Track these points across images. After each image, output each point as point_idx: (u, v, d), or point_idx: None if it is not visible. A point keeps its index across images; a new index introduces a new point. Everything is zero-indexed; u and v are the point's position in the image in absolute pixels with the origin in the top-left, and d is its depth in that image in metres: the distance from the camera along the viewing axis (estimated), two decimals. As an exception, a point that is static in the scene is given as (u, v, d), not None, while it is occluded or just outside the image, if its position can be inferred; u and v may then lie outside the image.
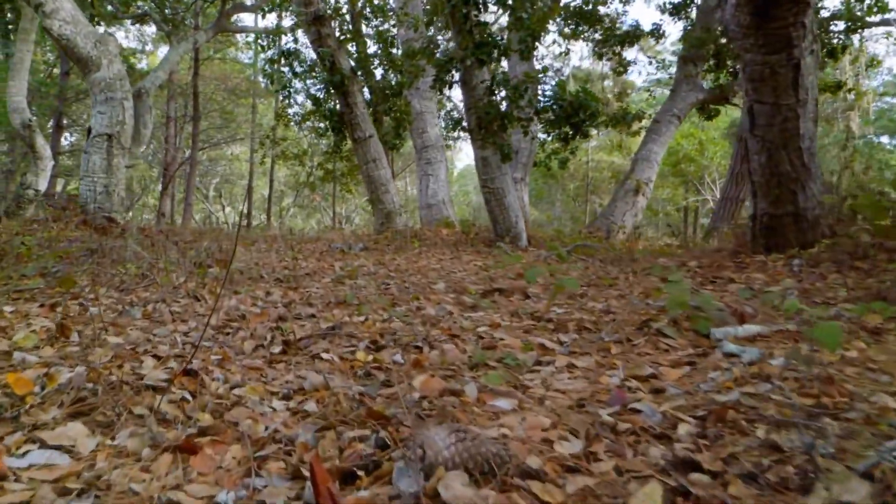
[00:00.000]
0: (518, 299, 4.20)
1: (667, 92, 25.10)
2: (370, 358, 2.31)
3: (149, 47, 27.19)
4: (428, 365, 2.30)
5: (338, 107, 9.91)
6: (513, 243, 8.14)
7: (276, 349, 2.31)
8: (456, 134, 22.07)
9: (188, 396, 1.74)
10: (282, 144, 22.92)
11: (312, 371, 2.08)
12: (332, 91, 9.45)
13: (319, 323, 2.99)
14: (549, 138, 11.01)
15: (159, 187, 23.17)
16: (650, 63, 13.50)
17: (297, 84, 12.11)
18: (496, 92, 7.76)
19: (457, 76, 8.10)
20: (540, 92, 9.25)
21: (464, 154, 59.85)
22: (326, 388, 1.86)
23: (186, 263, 4.86)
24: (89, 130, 6.59)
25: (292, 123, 16.10)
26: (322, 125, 13.70)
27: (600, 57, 11.83)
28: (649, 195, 11.79)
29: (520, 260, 2.91)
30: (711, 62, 12.01)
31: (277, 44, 12.13)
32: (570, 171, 29.50)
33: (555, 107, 8.01)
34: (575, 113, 7.97)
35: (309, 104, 13.26)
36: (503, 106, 7.81)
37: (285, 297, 3.92)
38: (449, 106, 20.40)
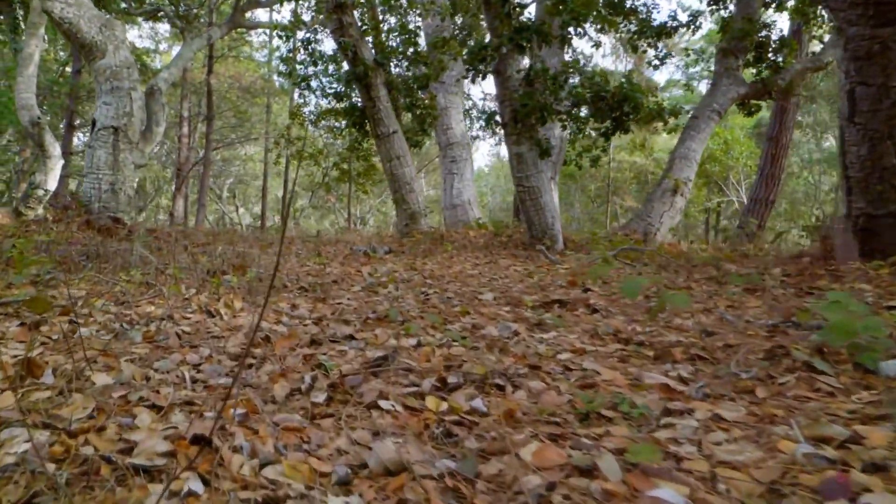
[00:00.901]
0: (585, 313, 3.59)
1: (692, 92, 24.35)
2: (443, 406, 1.71)
3: (163, 46, 26.82)
4: (522, 415, 1.70)
5: (359, 101, 9.35)
6: (550, 246, 7.51)
7: (319, 396, 1.70)
8: (473, 133, 21.45)
9: (198, 487, 1.14)
10: (297, 144, 22.43)
11: (373, 433, 1.48)
12: (354, 84, 8.87)
13: (363, 349, 2.39)
14: (581, 135, 10.38)
15: (173, 188, 22.74)
16: (687, 55, 12.76)
17: (315, 83, 11.58)
18: (534, 82, 7.14)
19: (488, 67, 7.50)
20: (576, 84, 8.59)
21: (479, 154, 59.15)
22: (403, 467, 1.26)
23: (198, 270, 4.29)
24: (93, 123, 6.04)
25: (307, 123, 15.57)
26: (338, 124, 13.12)
27: (635, 50, 11.14)
28: (688, 195, 11.10)
29: (609, 269, 2.31)
30: (752, 55, 11.33)
31: (294, 37, 11.55)
32: (591, 171, 28.81)
33: (597, 99, 7.37)
34: (619, 105, 7.33)
35: (324, 103, 12.70)
36: (540, 97, 7.18)
37: (314, 312, 3.32)
38: (468, 104, 19.78)
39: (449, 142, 11.02)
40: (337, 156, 23.21)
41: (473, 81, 7.25)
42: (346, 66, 9.09)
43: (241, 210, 34.61)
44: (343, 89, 9.68)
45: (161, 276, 4.21)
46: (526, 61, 8.52)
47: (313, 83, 10.45)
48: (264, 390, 1.79)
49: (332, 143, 22.13)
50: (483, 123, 7.17)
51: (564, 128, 7.82)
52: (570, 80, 7.38)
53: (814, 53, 11.52)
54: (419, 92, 9.76)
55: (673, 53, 10.75)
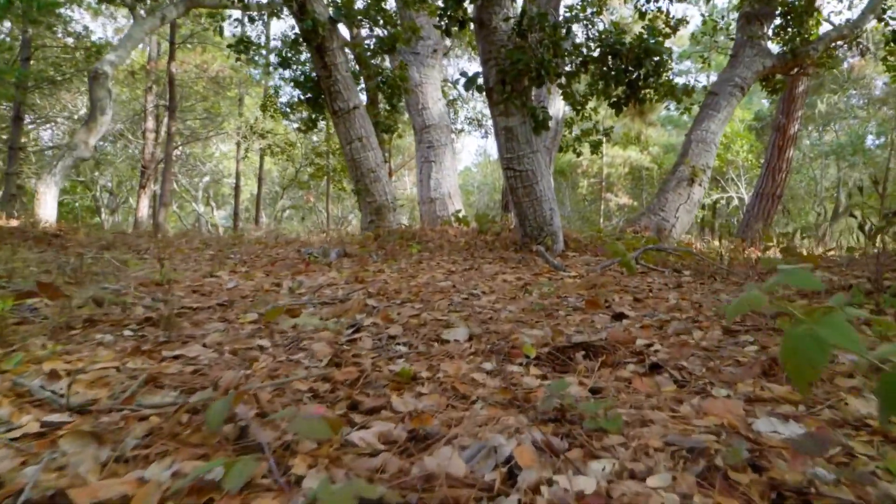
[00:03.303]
0: (638, 373, 1.92)
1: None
2: None
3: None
4: None
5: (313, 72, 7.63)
6: (548, 247, 5.83)
7: None
8: (458, 125, 19.66)
9: None
10: (268, 137, 20.68)
11: None
12: (305, 45, 7.15)
13: None
14: (582, 110, 8.72)
15: (154, 187, 20.85)
16: (706, 20, 11.16)
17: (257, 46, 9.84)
18: (527, 34, 5.46)
19: (467, 15, 5.80)
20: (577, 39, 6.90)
21: (466, 153, 57.37)
22: None
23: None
24: None
25: (281, 115, 13.88)
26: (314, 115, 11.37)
27: (643, 16, 9.51)
28: (706, 185, 9.47)
29: (764, 302, 0.96)
30: (778, 22, 9.73)
31: None
32: (582, 167, 27.12)
33: (608, 56, 5.69)
34: (638, 64, 5.66)
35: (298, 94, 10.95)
36: (536, 53, 5.49)
37: (99, 384, 1.62)
38: (453, 94, 18.05)
39: (425, 124, 9.31)
40: (311, 151, 21.46)
41: (449, 34, 5.58)
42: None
43: (219, 211, 32.70)
44: (293, 55, 7.92)
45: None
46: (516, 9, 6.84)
47: (258, 52, 8.68)
48: None
49: (308, 137, 20.38)
50: (464, 87, 5.40)
51: (567, 96, 6.14)
52: (574, 32, 5.70)
53: (848, 21, 9.92)
54: (386, 59, 8.06)
55: (687, 19, 9.11)
